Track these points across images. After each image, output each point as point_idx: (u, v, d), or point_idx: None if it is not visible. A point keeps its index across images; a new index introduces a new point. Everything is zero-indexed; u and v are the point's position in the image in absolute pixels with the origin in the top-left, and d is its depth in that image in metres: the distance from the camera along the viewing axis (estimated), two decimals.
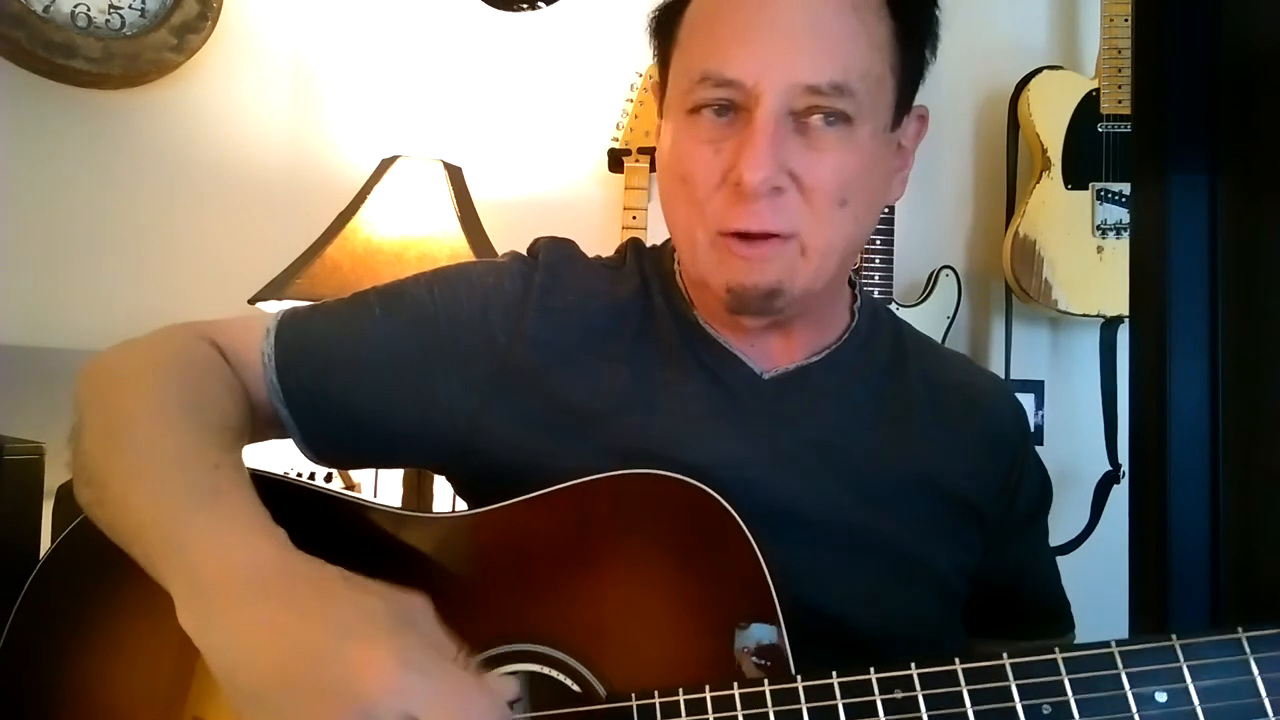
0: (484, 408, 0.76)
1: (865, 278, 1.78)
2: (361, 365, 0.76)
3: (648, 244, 0.88)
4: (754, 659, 0.61)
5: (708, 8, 0.72)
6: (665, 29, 0.77)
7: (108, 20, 1.64)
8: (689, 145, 0.72)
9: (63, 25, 1.60)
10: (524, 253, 0.84)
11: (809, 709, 0.57)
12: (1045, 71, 1.87)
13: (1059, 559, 0.97)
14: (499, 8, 1.90)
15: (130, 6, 1.66)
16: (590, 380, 0.77)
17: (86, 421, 0.68)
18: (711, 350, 0.79)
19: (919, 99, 0.78)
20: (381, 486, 1.59)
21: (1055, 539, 1.06)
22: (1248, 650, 0.53)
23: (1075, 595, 0.94)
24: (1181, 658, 0.53)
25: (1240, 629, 0.54)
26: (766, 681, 0.58)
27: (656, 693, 0.59)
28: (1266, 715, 0.52)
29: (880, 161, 0.74)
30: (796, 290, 0.72)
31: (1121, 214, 1.81)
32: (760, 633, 0.62)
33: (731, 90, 0.69)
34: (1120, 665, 0.54)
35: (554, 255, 0.82)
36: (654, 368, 0.78)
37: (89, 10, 1.63)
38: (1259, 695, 0.52)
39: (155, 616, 0.60)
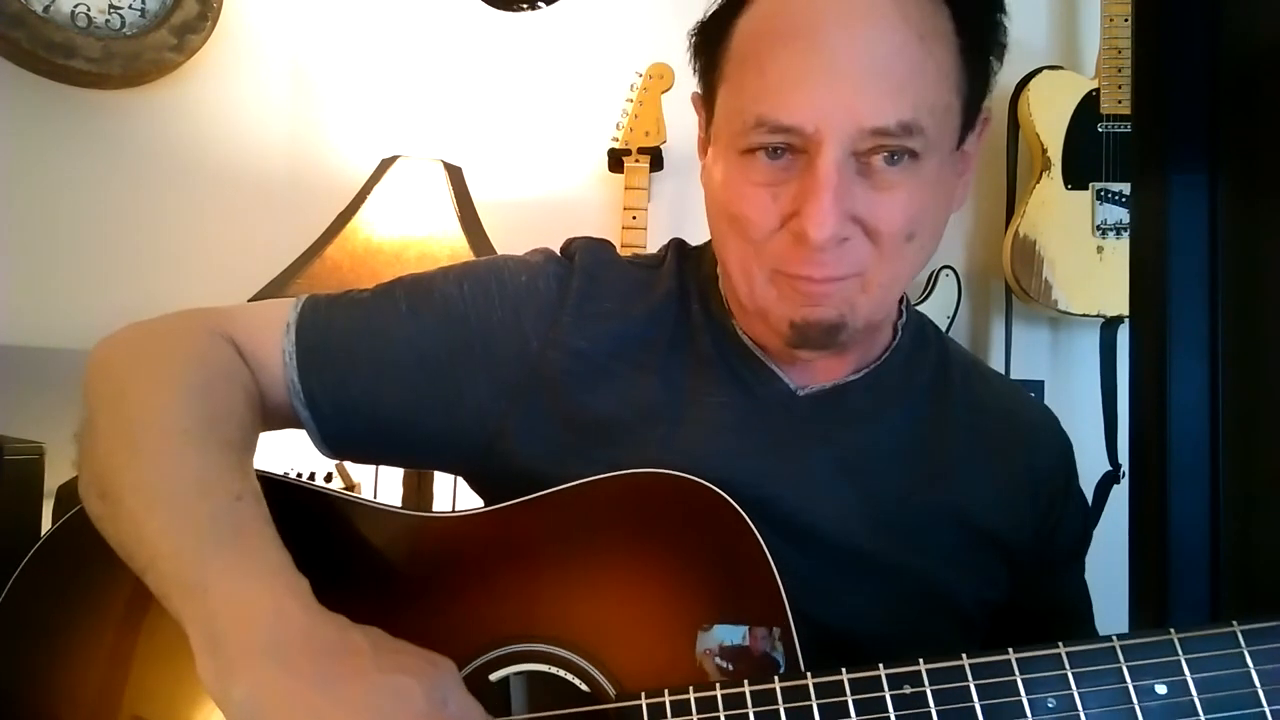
0: (510, 413, 0.74)
1: None
2: (386, 366, 0.74)
3: (653, 246, 0.87)
4: (717, 660, 0.62)
5: (757, 45, 0.66)
6: (709, 53, 0.72)
7: (108, 20, 1.64)
8: (743, 187, 0.67)
9: (63, 25, 1.60)
10: (557, 252, 0.81)
11: (819, 705, 0.57)
12: (1045, 71, 1.86)
13: None
14: (499, 8, 1.90)
15: (130, 6, 1.66)
16: (620, 391, 0.75)
17: (99, 424, 0.65)
18: (748, 362, 0.76)
19: None
20: (382, 485, 1.59)
21: None
22: (1243, 644, 0.55)
23: None
24: (1180, 652, 0.55)
25: (1235, 623, 0.56)
26: (777, 679, 0.59)
27: (666, 691, 0.60)
28: (1261, 705, 0.54)
29: (946, 186, 0.70)
30: (859, 323, 0.70)
31: (1121, 214, 1.81)
32: (724, 634, 0.62)
33: (789, 136, 0.64)
34: (1121, 659, 0.56)
35: (591, 259, 0.79)
36: (685, 377, 0.76)
37: (89, 10, 1.63)
38: (1254, 686, 0.54)
39: (142, 613, 0.60)
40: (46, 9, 1.59)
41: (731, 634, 0.62)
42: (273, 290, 1.48)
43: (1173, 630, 0.56)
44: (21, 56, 1.59)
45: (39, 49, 1.56)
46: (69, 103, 1.65)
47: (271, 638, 0.53)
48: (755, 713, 0.58)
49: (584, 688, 0.63)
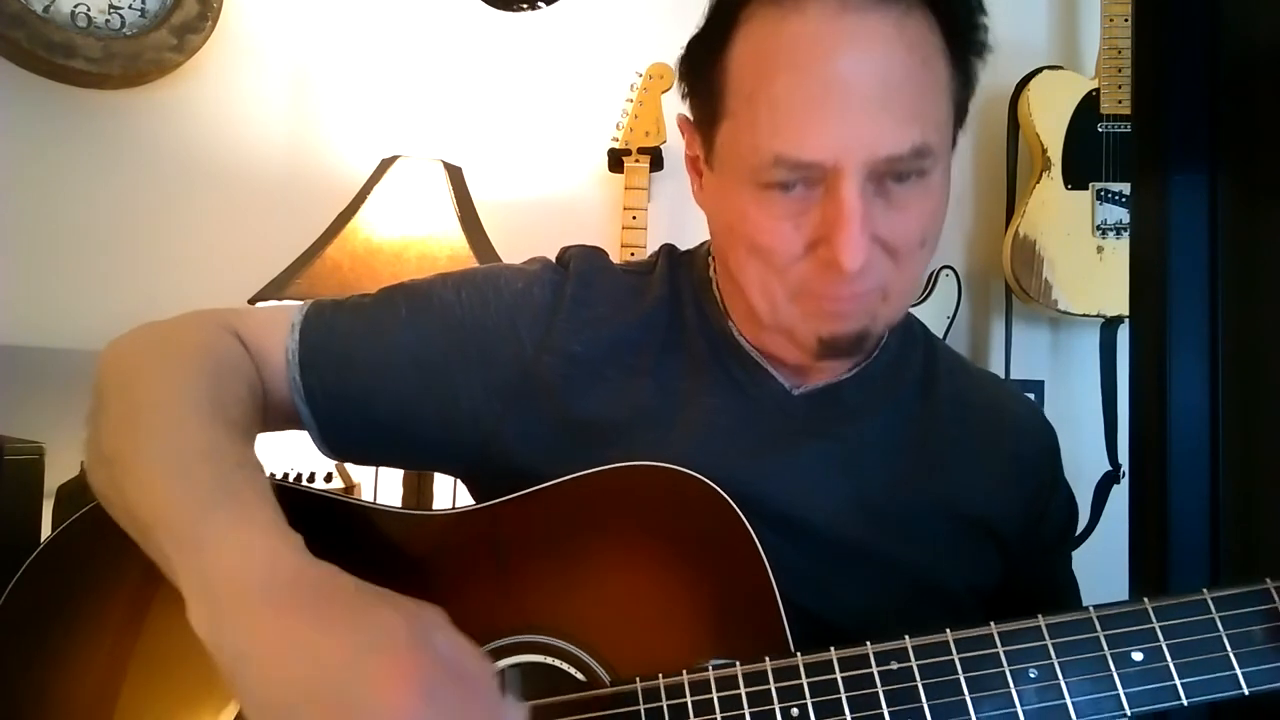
0: (504, 415, 0.76)
1: None
2: (385, 368, 0.76)
3: (652, 246, 0.87)
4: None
5: (762, 80, 0.66)
6: (703, 84, 0.72)
7: (108, 20, 1.64)
8: (764, 221, 0.68)
9: (63, 25, 1.60)
10: (553, 260, 0.83)
11: (809, 684, 0.60)
12: (1045, 71, 1.87)
13: None
14: (499, 8, 1.90)
15: (130, 6, 1.66)
16: (614, 395, 0.76)
17: (109, 403, 0.66)
18: (743, 364, 0.78)
19: None
20: (381, 485, 1.59)
21: None
22: (1213, 609, 0.58)
23: None
24: (1154, 619, 0.58)
25: (1205, 590, 0.59)
26: (769, 659, 0.61)
27: (660, 676, 0.61)
28: (1233, 668, 0.57)
29: (947, 187, 0.72)
30: (880, 328, 0.73)
31: (1121, 214, 1.81)
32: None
33: (808, 171, 0.65)
34: (1099, 629, 0.59)
35: (585, 265, 0.81)
36: (678, 380, 0.77)
37: (89, 10, 1.63)
38: (1225, 650, 0.57)
39: (142, 618, 0.60)
40: (46, 9, 1.59)
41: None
42: (273, 290, 1.48)
43: (1146, 599, 0.59)
44: (21, 56, 1.59)
45: (39, 49, 1.56)
46: (69, 103, 1.65)
47: (262, 580, 0.54)
48: (747, 693, 0.60)
49: (580, 677, 0.64)
